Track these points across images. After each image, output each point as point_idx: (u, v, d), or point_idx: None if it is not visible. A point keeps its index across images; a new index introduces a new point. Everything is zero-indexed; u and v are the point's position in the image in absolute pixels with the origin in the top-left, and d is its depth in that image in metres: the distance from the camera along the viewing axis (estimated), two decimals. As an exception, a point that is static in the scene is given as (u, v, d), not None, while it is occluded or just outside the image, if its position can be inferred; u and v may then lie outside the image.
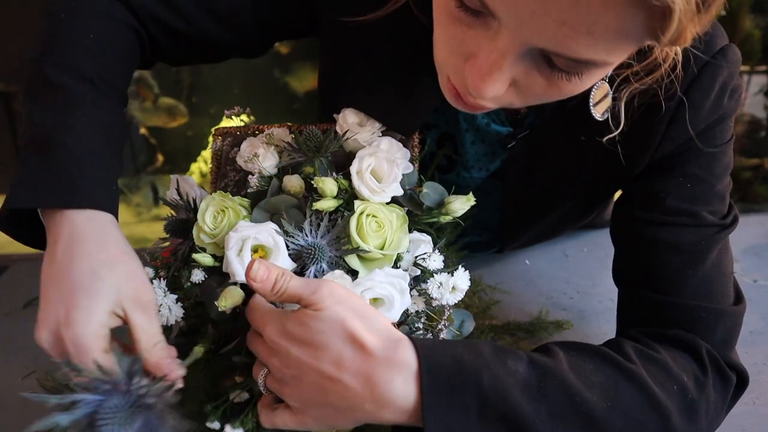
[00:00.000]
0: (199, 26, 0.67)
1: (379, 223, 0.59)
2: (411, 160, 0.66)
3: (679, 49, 0.56)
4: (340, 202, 0.61)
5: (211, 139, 0.75)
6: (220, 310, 0.55)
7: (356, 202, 0.59)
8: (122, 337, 0.55)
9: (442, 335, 0.60)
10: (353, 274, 0.58)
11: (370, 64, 0.68)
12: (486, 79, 0.46)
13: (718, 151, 0.64)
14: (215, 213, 0.61)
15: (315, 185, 0.60)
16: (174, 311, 0.58)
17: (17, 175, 0.56)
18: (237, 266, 0.54)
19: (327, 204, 0.59)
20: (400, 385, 0.49)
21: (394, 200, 0.62)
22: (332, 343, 0.49)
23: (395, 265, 0.60)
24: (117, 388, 0.47)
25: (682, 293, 0.62)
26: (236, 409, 0.58)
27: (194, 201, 0.66)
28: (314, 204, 0.59)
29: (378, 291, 0.55)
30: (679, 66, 0.57)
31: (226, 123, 0.74)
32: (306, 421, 0.52)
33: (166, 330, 0.57)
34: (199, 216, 0.61)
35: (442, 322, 0.60)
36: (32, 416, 0.70)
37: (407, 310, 0.59)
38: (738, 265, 0.99)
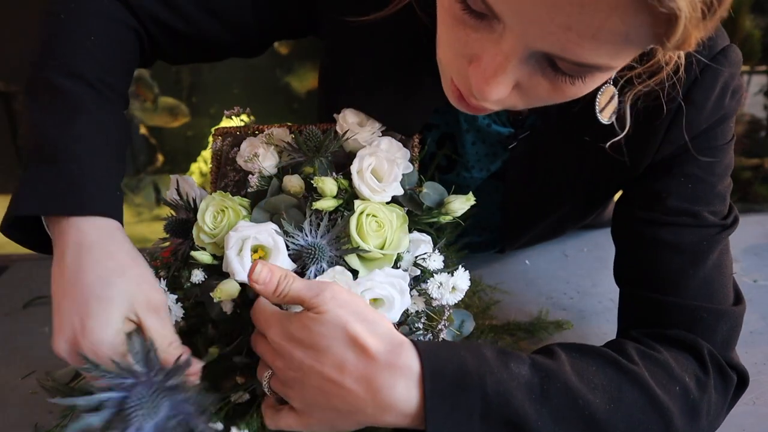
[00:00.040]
0: (199, 26, 0.67)
1: (379, 222, 0.59)
2: (411, 160, 0.66)
3: (682, 53, 0.56)
4: (340, 201, 0.61)
5: (211, 139, 0.75)
6: (215, 301, 0.55)
7: (356, 202, 0.59)
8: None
9: (442, 335, 0.60)
10: (353, 273, 0.58)
11: (371, 64, 0.68)
12: (490, 82, 0.46)
13: (719, 151, 0.64)
14: (215, 213, 0.61)
15: (315, 185, 0.60)
16: (174, 311, 0.58)
17: (21, 181, 0.56)
18: (237, 266, 0.54)
19: (327, 204, 0.59)
20: (403, 390, 0.49)
21: (394, 200, 0.62)
22: (334, 346, 0.49)
23: (395, 265, 0.60)
24: (139, 379, 0.48)
25: (683, 294, 0.62)
26: (238, 410, 0.58)
27: (194, 201, 0.66)
28: (314, 204, 0.59)
29: (378, 291, 0.55)
30: (682, 68, 0.57)
31: (226, 123, 0.74)
32: (310, 423, 0.52)
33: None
34: (199, 216, 0.61)
35: (442, 322, 0.60)
36: (32, 416, 0.70)
37: (407, 310, 0.59)
38: (738, 265, 0.99)
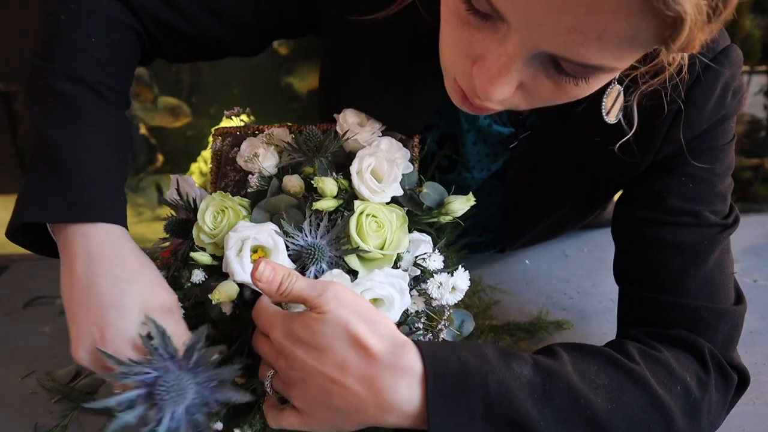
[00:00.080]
0: (199, 26, 0.67)
1: (378, 223, 0.59)
2: (411, 160, 0.66)
3: (685, 54, 0.56)
4: (340, 202, 0.61)
5: (211, 139, 0.75)
6: (213, 303, 0.55)
7: (356, 202, 0.59)
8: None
9: (442, 335, 0.60)
10: (353, 274, 0.58)
11: (372, 64, 0.68)
12: (494, 82, 0.46)
13: (720, 151, 0.64)
14: (215, 213, 0.61)
15: (315, 185, 0.60)
16: (174, 311, 0.58)
17: (25, 187, 0.56)
18: (236, 266, 0.54)
19: (327, 204, 0.59)
20: (404, 390, 0.49)
21: (394, 200, 0.62)
22: (336, 346, 0.49)
23: (395, 265, 0.60)
24: (162, 370, 0.50)
25: (684, 293, 0.62)
26: (239, 411, 0.58)
27: (194, 201, 0.66)
28: (314, 204, 0.59)
29: (378, 291, 0.55)
30: (685, 69, 0.57)
31: (226, 123, 0.74)
32: (312, 423, 0.52)
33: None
34: (199, 216, 0.61)
35: (442, 322, 0.60)
36: (32, 416, 0.70)
37: (407, 310, 0.59)
38: (738, 265, 0.99)
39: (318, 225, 0.58)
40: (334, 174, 0.62)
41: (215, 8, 0.67)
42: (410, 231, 0.62)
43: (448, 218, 0.63)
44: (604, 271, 0.98)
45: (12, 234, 0.57)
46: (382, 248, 0.58)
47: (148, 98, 1.98)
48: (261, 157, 0.64)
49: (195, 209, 0.64)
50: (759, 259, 1.03)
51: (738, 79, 0.63)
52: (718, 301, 0.62)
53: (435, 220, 0.64)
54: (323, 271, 0.57)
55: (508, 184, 0.76)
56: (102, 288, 0.54)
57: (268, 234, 0.56)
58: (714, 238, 0.63)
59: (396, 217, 0.60)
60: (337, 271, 0.56)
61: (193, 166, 2.06)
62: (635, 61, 0.51)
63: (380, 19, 0.62)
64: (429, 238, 0.63)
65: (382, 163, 0.61)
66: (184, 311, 0.59)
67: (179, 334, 0.55)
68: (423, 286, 0.59)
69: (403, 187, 0.62)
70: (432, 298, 0.58)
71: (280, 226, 0.58)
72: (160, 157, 2.10)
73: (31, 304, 0.94)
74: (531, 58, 0.45)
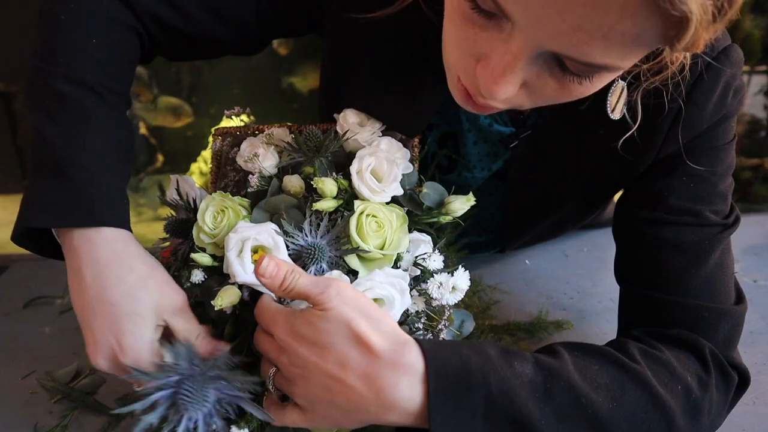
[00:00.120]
0: (200, 25, 0.67)
1: (379, 223, 0.59)
2: (411, 160, 0.66)
3: (688, 53, 0.56)
4: (340, 202, 0.61)
5: (211, 139, 0.75)
6: (216, 308, 0.55)
7: (356, 202, 0.59)
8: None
9: (442, 335, 0.60)
10: (353, 274, 0.58)
11: (373, 64, 0.68)
12: (498, 81, 0.46)
13: (720, 150, 0.64)
14: (215, 213, 0.61)
15: (315, 185, 0.60)
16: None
17: (29, 192, 0.57)
18: (238, 267, 0.54)
19: (327, 204, 0.59)
20: (406, 388, 0.49)
21: (394, 200, 0.62)
22: (338, 343, 0.49)
23: (395, 265, 0.60)
24: (183, 375, 0.52)
25: (685, 293, 0.62)
26: (238, 409, 0.58)
27: (194, 201, 0.66)
28: (314, 204, 0.59)
29: (378, 291, 0.54)
30: (687, 67, 0.57)
31: (226, 123, 0.74)
32: (314, 420, 0.53)
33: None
34: (199, 216, 0.61)
35: (442, 322, 0.60)
36: (32, 416, 0.70)
37: (407, 310, 0.59)
38: (738, 265, 0.99)
39: (318, 225, 0.58)
40: (334, 174, 0.62)
41: (215, 7, 0.67)
42: (410, 231, 0.62)
43: (448, 218, 0.63)
44: (604, 271, 0.98)
45: (17, 238, 0.58)
46: (382, 248, 0.58)
47: (147, 98, 1.98)
48: (261, 157, 0.64)
49: (195, 209, 0.64)
50: (759, 259, 1.03)
51: (739, 78, 0.63)
52: (718, 301, 0.62)
53: (435, 220, 0.64)
54: (323, 271, 0.57)
55: (508, 183, 0.76)
56: (114, 297, 0.55)
57: (268, 234, 0.56)
58: (715, 237, 0.63)
59: (396, 217, 0.60)
60: (336, 273, 0.56)
61: (193, 166, 2.05)
62: (638, 60, 0.51)
63: (381, 19, 0.62)
64: (429, 238, 0.63)
65: (382, 163, 0.61)
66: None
67: (192, 330, 0.58)
68: (423, 286, 0.59)
69: (403, 187, 0.62)
70: (432, 298, 0.58)
71: (280, 226, 0.58)
72: (160, 157, 2.10)
73: (31, 304, 0.94)
74: (535, 57, 0.45)
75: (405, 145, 0.66)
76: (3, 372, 0.79)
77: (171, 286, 0.58)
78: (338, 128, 0.67)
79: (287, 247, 0.56)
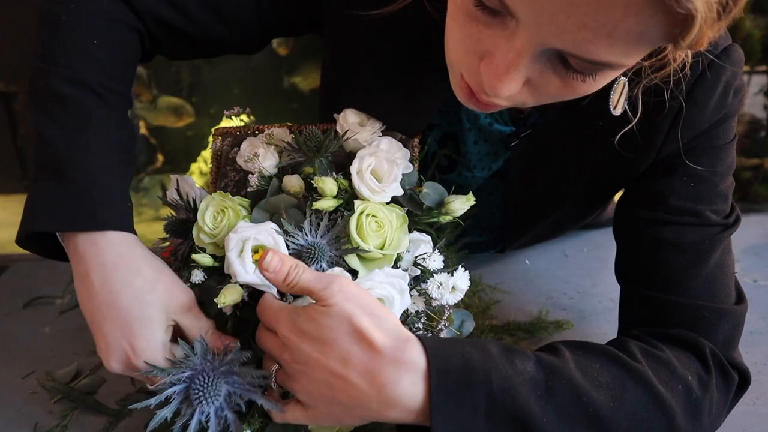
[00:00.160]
0: (201, 25, 0.67)
1: (379, 223, 0.59)
2: (411, 160, 0.66)
3: (690, 51, 0.56)
4: (340, 201, 0.61)
5: (211, 139, 0.75)
6: (219, 306, 0.55)
7: (356, 202, 0.59)
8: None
9: (442, 335, 0.60)
10: (353, 273, 0.58)
11: (373, 64, 0.68)
12: (502, 78, 0.46)
13: (721, 150, 0.64)
14: (215, 213, 0.61)
15: (315, 185, 0.60)
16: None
17: (33, 196, 0.57)
18: (238, 267, 0.54)
19: (327, 204, 0.59)
20: (407, 385, 0.49)
21: (394, 200, 0.62)
22: (340, 339, 0.50)
23: (395, 265, 0.60)
24: (195, 370, 0.54)
25: (686, 293, 0.62)
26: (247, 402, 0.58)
27: (194, 201, 0.66)
28: (314, 204, 0.59)
29: (378, 291, 0.54)
30: (688, 65, 0.57)
31: (226, 123, 0.74)
32: (316, 417, 0.53)
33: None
34: (198, 216, 0.61)
35: (442, 322, 0.60)
36: (32, 416, 0.70)
37: (407, 310, 0.59)
38: (738, 265, 0.99)
39: (318, 224, 0.58)
40: (334, 174, 0.62)
41: (216, 7, 0.67)
42: (410, 231, 0.62)
43: (448, 218, 0.63)
44: (604, 271, 0.98)
45: (22, 242, 0.58)
46: (382, 248, 0.58)
47: (147, 98, 1.98)
48: (261, 157, 0.64)
49: (195, 209, 0.64)
50: (759, 259, 1.03)
51: (739, 78, 0.63)
52: (719, 301, 0.62)
53: (435, 220, 0.64)
54: (323, 270, 0.57)
55: (508, 183, 0.76)
56: (123, 302, 0.55)
57: (268, 233, 0.56)
58: (715, 237, 0.63)
59: (396, 217, 0.60)
60: (337, 269, 0.56)
61: (193, 166, 2.06)
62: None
63: (382, 18, 0.62)
64: (429, 238, 0.63)
65: (382, 163, 0.61)
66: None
67: (200, 326, 0.58)
68: (423, 286, 0.59)
69: (403, 187, 0.62)
70: (432, 298, 0.58)
71: (281, 226, 0.58)
72: (160, 157, 2.10)
73: (31, 304, 0.94)
74: (539, 55, 0.45)
75: (405, 145, 0.66)
76: (3, 372, 0.79)
77: (178, 286, 0.59)
78: (338, 128, 0.67)
79: (287, 246, 0.56)
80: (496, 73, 0.46)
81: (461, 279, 0.58)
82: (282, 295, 0.57)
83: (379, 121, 0.67)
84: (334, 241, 0.58)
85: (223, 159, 0.72)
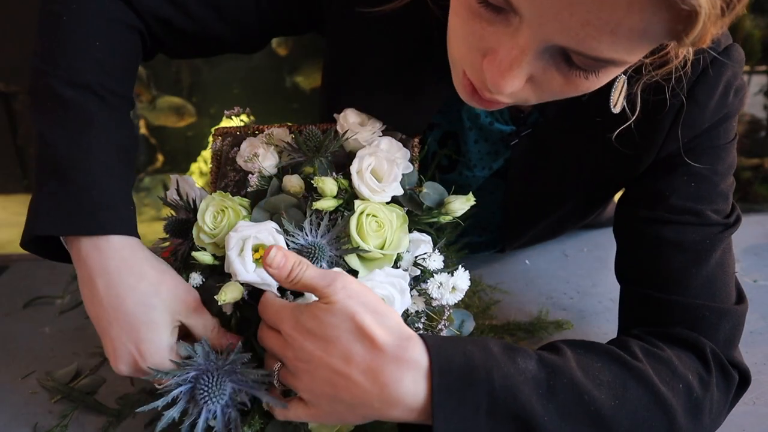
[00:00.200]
0: (202, 24, 0.67)
1: (379, 222, 0.59)
2: (411, 160, 0.66)
3: (691, 48, 0.56)
4: (340, 201, 0.61)
5: (211, 139, 0.75)
6: (219, 303, 0.55)
7: (356, 202, 0.59)
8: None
9: (442, 335, 0.60)
10: (353, 274, 0.58)
11: (374, 63, 0.68)
12: (505, 75, 0.46)
13: (721, 149, 0.64)
14: (215, 213, 0.61)
15: (315, 185, 0.60)
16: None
17: (36, 199, 0.57)
18: (239, 266, 0.54)
19: (327, 204, 0.59)
20: (410, 384, 0.49)
21: (394, 200, 0.62)
22: (342, 337, 0.49)
23: (395, 265, 0.60)
24: (201, 369, 0.54)
25: (686, 292, 0.62)
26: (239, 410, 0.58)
27: (194, 201, 0.66)
28: (314, 204, 0.59)
29: (378, 291, 0.54)
30: (689, 63, 0.57)
31: (226, 123, 0.74)
32: (318, 415, 0.53)
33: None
34: (198, 216, 0.61)
35: (442, 322, 0.60)
36: (32, 416, 0.70)
37: (407, 310, 0.59)
38: (738, 265, 0.99)
39: (318, 224, 0.58)
40: (334, 174, 0.62)
41: (216, 6, 0.67)
42: (410, 231, 0.62)
43: (448, 218, 0.63)
44: (604, 271, 0.98)
45: (26, 245, 0.58)
46: (382, 248, 0.58)
47: (147, 99, 1.98)
48: (261, 157, 0.64)
49: (195, 209, 0.64)
50: (759, 259, 1.03)
51: (740, 77, 0.63)
52: (719, 300, 0.62)
53: (435, 220, 0.64)
54: (323, 271, 0.57)
55: (509, 182, 0.76)
56: (128, 307, 0.56)
57: (268, 232, 0.56)
58: (716, 237, 0.63)
59: (396, 217, 0.60)
60: (338, 269, 0.56)
61: (193, 166, 2.06)
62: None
63: (383, 17, 0.62)
64: (429, 238, 0.63)
65: (382, 163, 0.61)
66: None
67: (205, 325, 0.59)
68: (423, 286, 0.59)
69: (403, 187, 0.62)
70: (432, 298, 0.58)
71: (281, 225, 0.58)
72: (160, 157, 2.10)
73: (31, 304, 0.94)
74: (542, 51, 0.45)
75: (405, 145, 0.66)
76: (3, 372, 0.79)
77: (182, 287, 0.59)
78: (338, 128, 0.67)
79: (287, 246, 0.56)
80: (499, 70, 0.46)
81: (461, 279, 0.58)
82: (282, 293, 0.57)
83: (380, 121, 0.67)
84: (334, 241, 0.58)
85: (223, 159, 0.72)
